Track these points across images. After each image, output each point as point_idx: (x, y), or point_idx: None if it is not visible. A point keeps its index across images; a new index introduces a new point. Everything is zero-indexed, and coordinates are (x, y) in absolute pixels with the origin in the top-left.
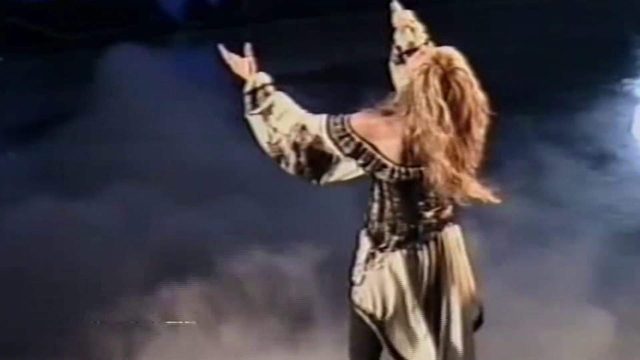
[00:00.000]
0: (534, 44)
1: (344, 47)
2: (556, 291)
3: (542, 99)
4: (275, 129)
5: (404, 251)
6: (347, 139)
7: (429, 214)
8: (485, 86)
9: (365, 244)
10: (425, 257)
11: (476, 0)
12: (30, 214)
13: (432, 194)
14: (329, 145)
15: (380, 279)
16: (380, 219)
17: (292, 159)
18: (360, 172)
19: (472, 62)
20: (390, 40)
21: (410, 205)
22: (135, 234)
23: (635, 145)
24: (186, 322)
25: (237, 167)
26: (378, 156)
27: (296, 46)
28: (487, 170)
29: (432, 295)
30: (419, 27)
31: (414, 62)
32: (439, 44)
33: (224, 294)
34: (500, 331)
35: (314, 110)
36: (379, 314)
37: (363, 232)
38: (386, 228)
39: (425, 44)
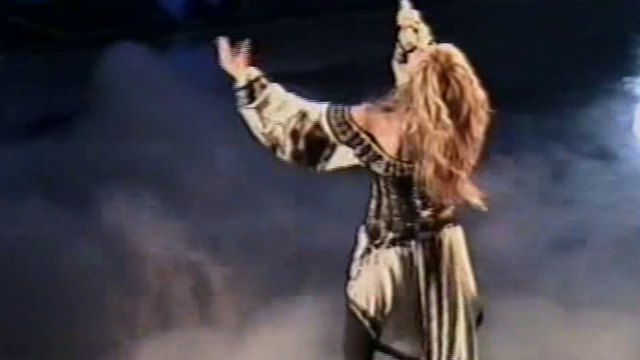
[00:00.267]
0: (533, 42)
1: (344, 47)
2: (556, 291)
3: (542, 98)
4: (269, 119)
5: (398, 249)
6: (345, 126)
7: (425, 213)
8: (484, 85)
9: (363, 239)
10: (420, 256)
11: None
12: (30, 212)
13: (428, 193)
14: (327, 131)
15: (374, 275)
16: (377, 215)
17: (289, 146)
18: (356, 161)
19: (472, 61)
20: (394, 38)
21: (406, 203)
22: (136, 233)
23: (635, 144)
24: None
25: (238, 165)
26: (375, 147)
27: (296, 45)
28: (488, 169)
29: (428, 296)
30: (424, 29)
31: (414, 60)
32: (439, 43)
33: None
34: (498, 331)
35: None
36: (372, 310)
37: (362, 228)
38: (382, 224)
39: (429, 44)
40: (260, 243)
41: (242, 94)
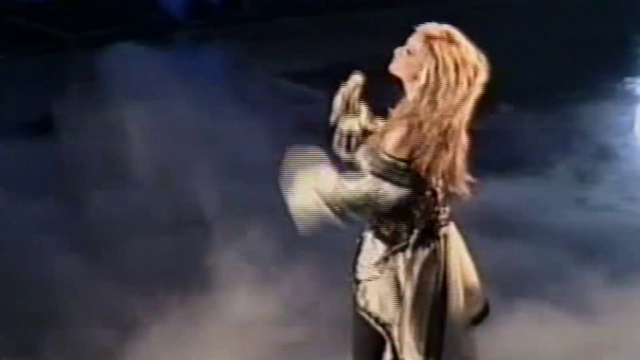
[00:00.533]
0: (534, 42)
1: (345, 46)
2: (556, 290)
3: (543, 98)
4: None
5: (422, 248)
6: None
7: (441, 209)
8: (485, 85)
9: (378, 246)
10: (439, 253)
11: None
12: (30, 211)
13: (441, 191)
14: None
15: (393, 281)
16: (397, 218)
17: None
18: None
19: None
20: (395, 37)
21: (424, 202)
22: (137, 232)
23: (636, 145)
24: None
25: (239, 164)
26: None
27: (297, 44)
28: (488, 168)
29: (440, 291)
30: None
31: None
32: None
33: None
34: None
35: (315, 108)
36: (385, 316)
37: (370, 236)
38: (404, 227)
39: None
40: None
41: (339, 138)
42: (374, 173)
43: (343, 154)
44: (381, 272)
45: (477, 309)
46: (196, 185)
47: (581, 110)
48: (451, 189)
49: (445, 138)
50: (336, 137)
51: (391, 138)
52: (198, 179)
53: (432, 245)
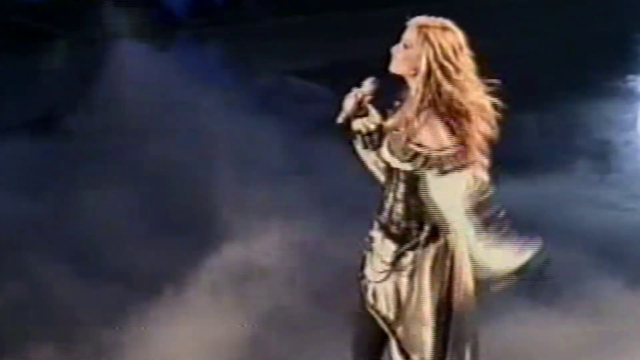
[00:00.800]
0: (536, 41)
1: (346, 45)
2: (556, 289)
3: (545, 97)
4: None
5: (433, 246)
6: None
7: None
8: (487, 84)
9: (388, 245)
10: (448, 250)
11: None
12: (30, 211)
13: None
14: None
15: (403, 280)
16: (407, 217)
17: None
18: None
19: (475, 60)
20: (393, 37)
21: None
22: (139, 230)
23: (638, 142)
24: None
25: (241, 161)
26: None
27: (299, 44)
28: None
29: (446, 288)
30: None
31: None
32: None
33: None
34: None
35: (316, 107)
36: (392, 315)
37: (379, 235)
38: (414, 225)
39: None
40: None
41: (359, 138)
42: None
43: (363, 153)
44: (391, 272)
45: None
46: (199, 185)
47: (583, 108)
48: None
49: (464, 123)
50: (357, 138)
51: (433, 132)
52: (204, 178)
53: (443, 239)
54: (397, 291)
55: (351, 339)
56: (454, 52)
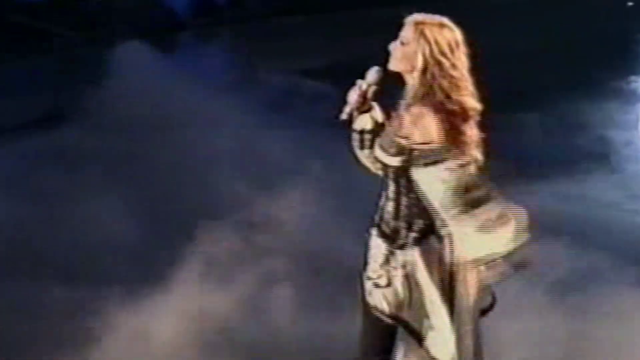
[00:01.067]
0: (539, 41)
1: (348, 44)
2: (558, 290)
3: (548, 96)
4: None
5: (423, 247)
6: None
7: None
8: (490, 84)
9: (380, 244)
10: (442, 251)
11: None
12: (37, 208)
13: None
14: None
15: (399, 278)
16: (396, 216)
17: None
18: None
19: (478, 60)
20: (395, 37)
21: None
22: (142, 229)
23: None
24: None
25: (243, 160)
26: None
27: (301, 43)
28: (490, 166)
29: (447, 288)
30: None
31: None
32: None
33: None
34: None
35: (318, 106)
36: (396, 311)
37: (374, 233)
38: (402, 225)
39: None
40: None
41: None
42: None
43: (360, 154)
44: (386, 272)
45: (485, 302)
46: (204, 185)
47: (585, 108)
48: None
49: (457, 119)
50: (354, 135)
51: (421, 126)
52: (208, 177)
53: (434, 244)
54: (394, 291)
55: (359, 343)
56: (450, 48)
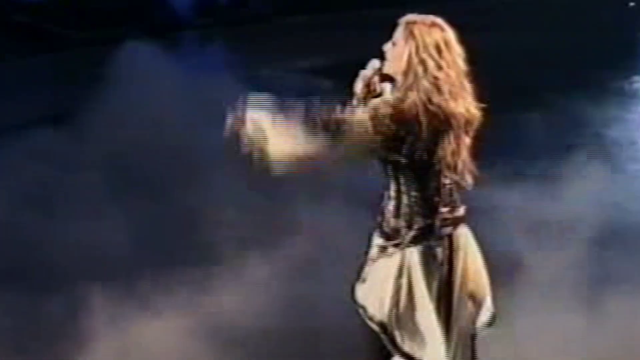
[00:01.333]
0: (541, 41)
1: (350, 44)
2: (559, 291)
3: (550, 96)
4: None
5: (420, 247)
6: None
7: (444, 210)
8: (493, 83)
9: (377, 241)
10: (440, 253)
11: None
12: (36, 208)
13: (446, 190)
14: None
15: (386, 277)
16: (397, 215)
17: None
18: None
19: (480, 60)
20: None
21: (426, 200)
22: (144, 229)
23: None
24: None
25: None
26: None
27: (303, 43)
28: (492, 166)
29: (442, 293)
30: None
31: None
32: None
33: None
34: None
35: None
36: (379, 315)
37: (376, 233)
38: (402, 224)
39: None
40: None
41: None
42: None
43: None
44: (374, 267)
45: (484, 318)
46: (204, 185)
47: (588, 108)
48: (455, 178)
49: (441, 123)
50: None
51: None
52: (208, 177)
53: (433, 245)
54: (383, 290)
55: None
56: (438, 48)
